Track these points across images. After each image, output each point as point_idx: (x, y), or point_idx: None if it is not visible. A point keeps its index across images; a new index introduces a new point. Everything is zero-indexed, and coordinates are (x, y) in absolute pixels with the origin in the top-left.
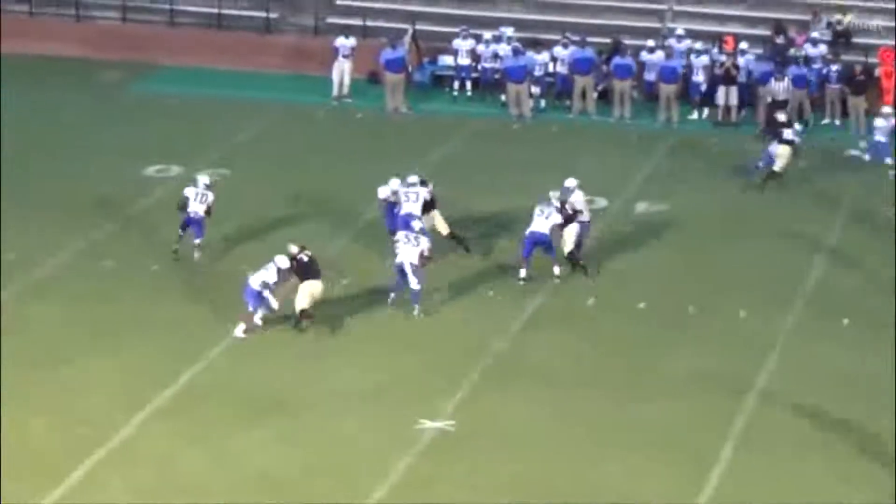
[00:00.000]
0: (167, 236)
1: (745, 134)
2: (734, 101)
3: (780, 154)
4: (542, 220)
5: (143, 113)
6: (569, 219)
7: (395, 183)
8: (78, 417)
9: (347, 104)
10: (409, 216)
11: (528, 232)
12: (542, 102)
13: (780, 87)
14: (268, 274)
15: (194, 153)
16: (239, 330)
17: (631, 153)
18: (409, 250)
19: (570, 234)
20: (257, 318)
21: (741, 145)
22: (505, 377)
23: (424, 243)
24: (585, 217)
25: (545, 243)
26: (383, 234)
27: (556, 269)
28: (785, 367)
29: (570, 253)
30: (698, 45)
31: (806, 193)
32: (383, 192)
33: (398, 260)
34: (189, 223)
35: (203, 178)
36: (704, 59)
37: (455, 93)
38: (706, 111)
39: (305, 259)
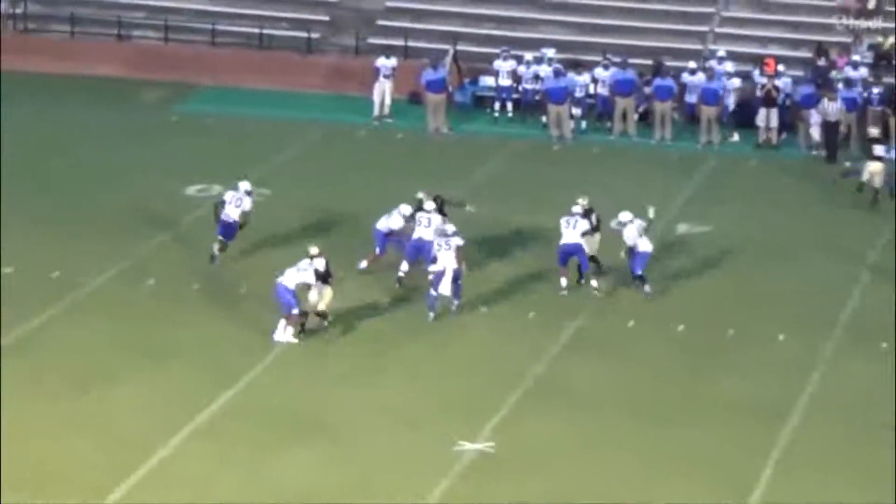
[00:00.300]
0: (208, 255)
1: (784, 157)
2: (774, 123)
3: (873, 171)
4: (571, 231)
5: (185, 133)
6: (585, 233)
7: (405, 209)
8: (117, 438)
9: (388, 124)
10: (421, 241)
11: (560, 244)
12: (583, 124)
13: (832, 108)
14: (306, 275)
15: (235, 173)
16: (284, 334)
17: (672, 175)
18: (447, 255)
19: (594, 242)
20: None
21: (782, 167)
22: (545, 400)
23: (457, 241)
24: (648, 248)
25: (577, 253)
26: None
27: (594, 283)
28: (824, 390)
29: (592, 257)
30: (728, 67)
31: (846, 215)
32: (395, 222)
33: (439, 267)
34: (221, 225)
35: (244, 185)
36: (736, 81)
37: (496, 114)
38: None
39: (323, 263)
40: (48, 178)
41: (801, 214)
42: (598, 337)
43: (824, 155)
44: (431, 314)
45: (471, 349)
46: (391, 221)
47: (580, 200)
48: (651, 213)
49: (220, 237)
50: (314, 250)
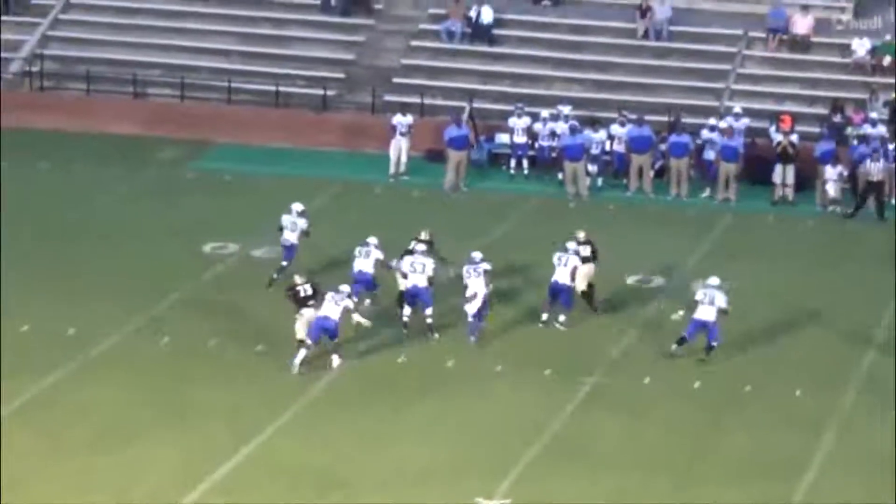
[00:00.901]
0: (225, 313)
1: (801, 214)
2: (791, 179)
3: None
4: (562, 269)
5: (201, 190)
6: (585, 259)
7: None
8: (134, 496)
9: (405, 182)
10: (416, 288)
11: (551, 281)
12: (599, 181)
13: (875, 168)
14: (345, 299)
15: (251, 230)
16: (336, 362)
17: (688, 231)
18: (477, 282)
19: (583, 275)
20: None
21: (798, 224)
22: (562, 457)
23: (486, 266)
24: (724, 304)
25: (562, 293)
26: (444, 310)
27: (562, 318)
28: (841, 447)
29: (583, 292)
30: (713, 122)
31: (863, 273)
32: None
33: (470, 292)
34: (284, 250)
35: (297, 206)
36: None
37: (511, 171)
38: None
39: (306, 290)
40: (64, 235)
41: (817, 272)
42: (614, 394)
43: (862, 209)
44: (473, 338)
45: (487, 406)
46: (365, 264)
47: (579, 234)
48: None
49: (283, 261)
50: (299, 279)
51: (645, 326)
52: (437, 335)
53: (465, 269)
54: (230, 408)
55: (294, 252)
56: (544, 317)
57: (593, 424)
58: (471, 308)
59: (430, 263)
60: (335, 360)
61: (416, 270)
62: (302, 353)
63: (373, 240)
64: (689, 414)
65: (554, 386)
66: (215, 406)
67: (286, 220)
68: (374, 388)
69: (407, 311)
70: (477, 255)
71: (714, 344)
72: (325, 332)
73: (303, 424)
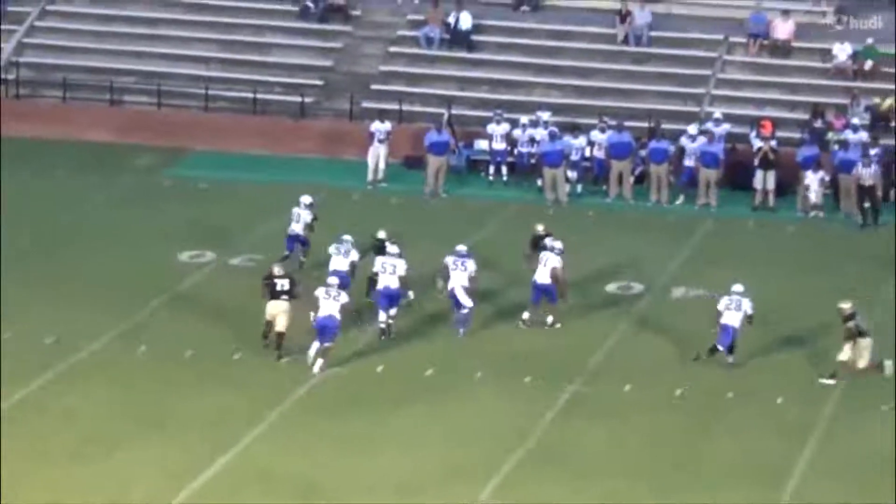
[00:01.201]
0: (202, 322)
1: (782, 220)
2: (772, 185)
3: None
4: (542, 269)
5: (178, 198)
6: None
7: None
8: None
9: (383, 189)
10: (388, 289)
11: (532, 281)
12: (579, 187)
13: (867, 173)
14: (341, 294)
15: (228, 238)
16: (318, 365)
17: (668, 238)
18: (460, 275)
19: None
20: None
21: (779, 230)
22: (544, 465)
23: (471, 266)
24: (750, 310)
25: (547, 291)
26: (419, 318)
27: (549, 319)
28: (824, 452)
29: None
30: (692, 129)
31: (845, 278)
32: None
33: (450, 286)
34: (287, 240)
35: (305, 198)
36: (700, 141)
37: (490, 177)
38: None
39: (283, 285)
40: (42, 243)
41: (798, 277)
42: (595, 401)
43: (860, 221)
44: (462, 329)
45: (467, 414)
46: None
47: (539, 227)
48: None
49: (286, 251)
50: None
51: (625, 334)
52: (392, 337)
53: (450, 260)
54: (210, 416)
55: (294, 244)
56: (525, 315)
57: (575, 432)
58: (465, 303)
59: (401, 264)
60: (319, 364)
61: (387, 271)
62: (315, 345)
63: (349, 237)
64: (672, 421)
65: (535, 393)
66: (195, 415)
67: (294, 211)
68: (355, 397)
69: (382, 316)
70: (462, 248)
71: (719, 346)
72: (328, 332)
73: (283, 433)
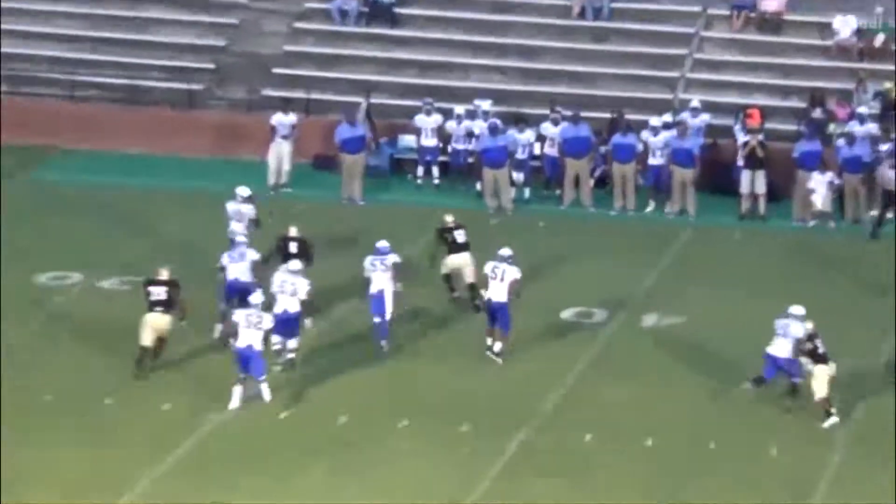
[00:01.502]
0: (63, 356)
1: (774, 230)
2: (762, 188)
3: None
4: (498, 284)
5: (39, 208)
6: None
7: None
8: None
9: (287, 194)
10: (286, 313)
11: (485, 299)
12: (526, 192)
13: (891, 176)
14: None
15: (100, 256)
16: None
17: (636, 253)
18: (382, 276)
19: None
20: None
21: (770, 242)
22: None
23: (394, 258)
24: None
25: (501, 310)
26: (328, 350)
27: (497, 346)
28: None
29: (471, 284)
30: (655, 122)
31: (845, 302)
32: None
33: (373, 290)
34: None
35: (242, 191)
36: (664, 135)
37: (419, 180)
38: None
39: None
40: None
41: (793, 299)
42: (547, 454)
43: (869, 231)
44: (384, 343)
45: (388, 473)
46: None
47: (447, 217)
48: None
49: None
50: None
51: (586, 371)
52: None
53: (368, 261)
54: (72, 477)
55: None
56: (489, 341)
57: (522, 492)
58: (387, 311)
59: (303, 285)
60: (265, 392)
61: (286, 292)
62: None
63: (242, 238)
64: (642, 479)
65: (473, 446)
66: (53, 479)
67: (230, 208)
68: (251, 453)
69: (276, 339)
70: (384, 244)
71: (796, 382)
72: (249, 368)
73: (161, 498)
